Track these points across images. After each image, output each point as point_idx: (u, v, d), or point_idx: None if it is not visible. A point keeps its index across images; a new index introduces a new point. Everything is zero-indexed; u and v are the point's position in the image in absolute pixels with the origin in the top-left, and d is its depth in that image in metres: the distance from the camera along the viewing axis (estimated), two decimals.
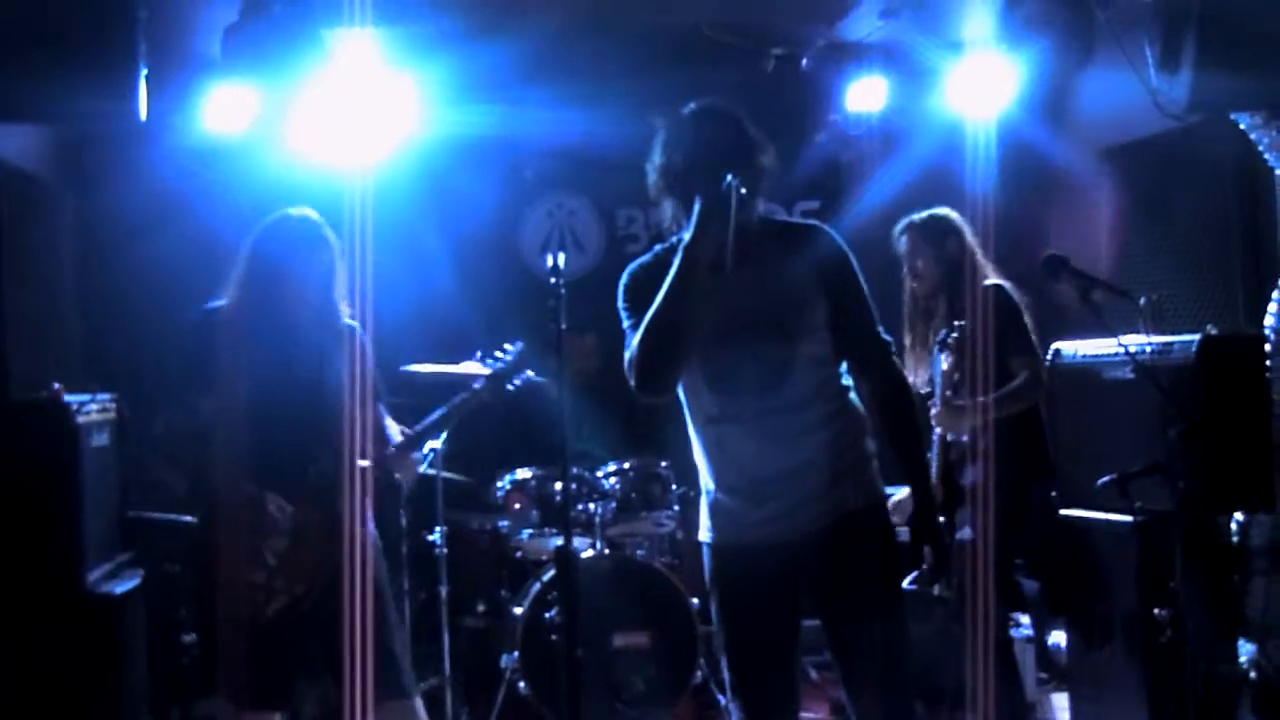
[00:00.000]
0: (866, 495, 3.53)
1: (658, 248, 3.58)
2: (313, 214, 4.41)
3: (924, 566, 3.58)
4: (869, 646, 3.45)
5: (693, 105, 3.56)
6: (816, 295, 3.44)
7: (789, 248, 3.47)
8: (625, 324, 3.47)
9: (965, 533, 4.77)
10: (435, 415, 4.67)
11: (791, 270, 3.44)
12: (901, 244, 5.26)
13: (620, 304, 3.51)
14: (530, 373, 4.92)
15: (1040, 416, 5.21)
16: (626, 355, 3.40)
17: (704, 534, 3.61)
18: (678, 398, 3.57)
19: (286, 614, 4.15)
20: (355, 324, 4.38)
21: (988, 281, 5.09)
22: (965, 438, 4.83)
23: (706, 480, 3.58)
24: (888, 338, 3.63)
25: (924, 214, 5.31)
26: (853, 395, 3.58)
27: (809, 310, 3.43)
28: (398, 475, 4.71)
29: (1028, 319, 5.14)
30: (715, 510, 3.55)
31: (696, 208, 3.26)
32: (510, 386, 4.86)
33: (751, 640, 3.52)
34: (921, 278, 5.23)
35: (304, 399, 4.24)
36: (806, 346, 3.43)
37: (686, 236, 3.28)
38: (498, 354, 4.93)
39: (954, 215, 5.27)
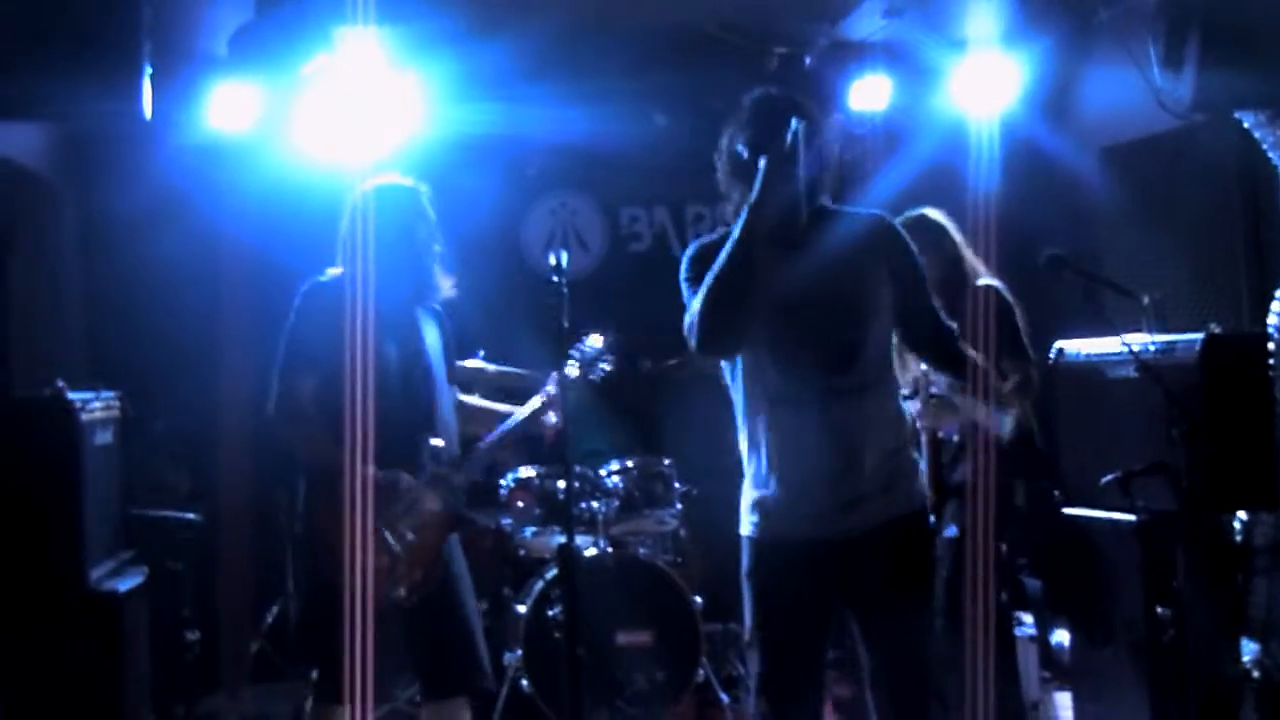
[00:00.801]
0: (913, 501, 3.55)
1: (719, 231, 3.59)
2: (417, 184, 4.37)
3: None
4: (901, 649, 3.48)
5: (754, 92, 3.57)
6: (882, 279, 3.46)
7: (853, 232, 3.49)
8: (686, 294, 3.47)
9: (951, 530, 4.75)
10: (508, 425, 4.53)
11: (857, 253, 3.46)
12: None
13: (683, 275, 3.51)
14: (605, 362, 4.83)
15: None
16: (686, 318, 3.39)
17: (745, 528, 3.57)
18: (728, 377, 3.58)
19: (404, 601, 4.12)
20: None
21: (981, 282, 5.05)
22: (955, 437, 4.81)
23: (758, 470, 3.53)
24: (952, 324, 3.65)
25: (911, 216, 5.16)
26: (905, 402, 3.63)
27: (876, 292, 3.46)
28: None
29: (1021, 321, 5.10)
30: (762, 502, 3.52)
31: (762, 164, 3.28)
32: (592, 378, 4.77)
33: (785, 636, 3.50)
34: None
35: (413, 378, 4.21)
36: (874, 330, 3.46)
37: (753, 193, 3.28)
38: (579, 348, 4.78)
39: (939, 214, 5.19)
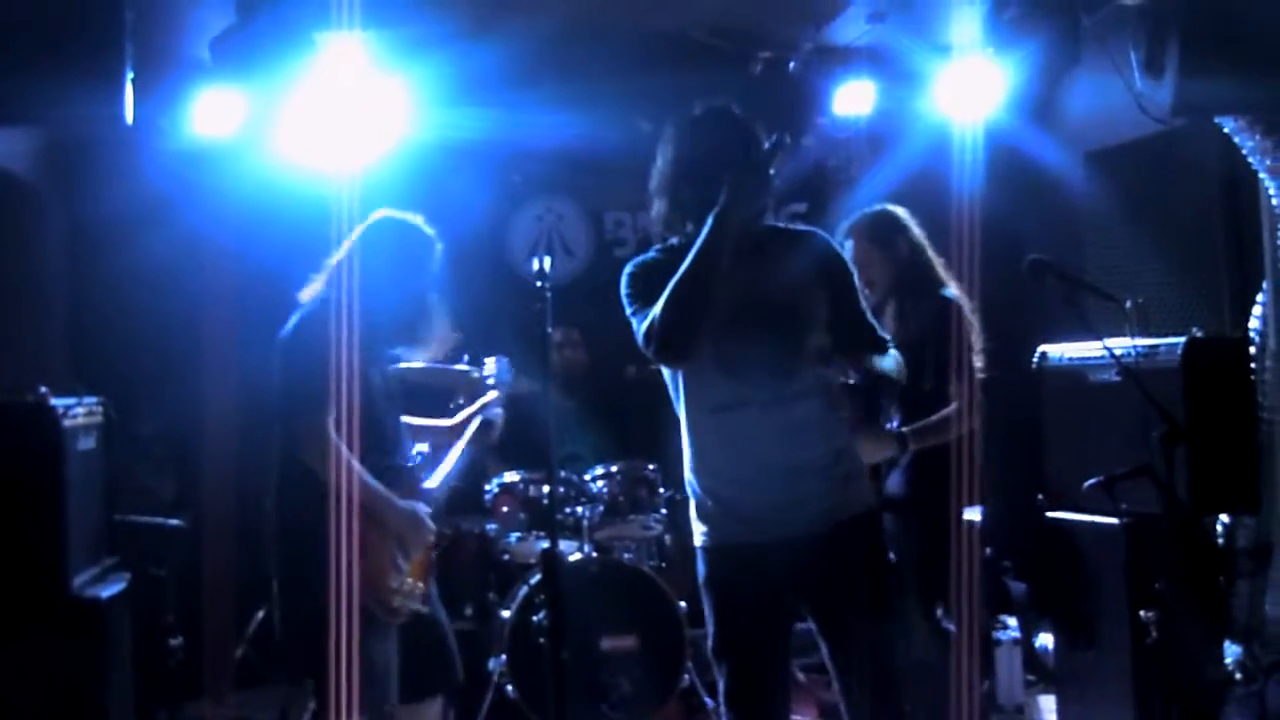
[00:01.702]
0: (862, 502, 3.58)
1: (660, 247, 3.63)
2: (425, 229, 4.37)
3: None
4: (863, 651, 3.48)
5: (699, 107, 3.62)
6: (820, 292, 3.52)
7: (790, 248, 3.55)
8: (629, 310, 3.51)
9: None
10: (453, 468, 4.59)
11: (796, 267, 3.51)
12: (847, 249, 4.74)
13: (625, 291, 3.54)
14: (513, 384, 4.89)
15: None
16: (644, 326, 3.40)
17: (698, 538, 3.60)
18: (671, 391, 3.61)
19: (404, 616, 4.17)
20: None
21: (944, 292, 4.82)
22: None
23: (703, 477, 3.56)
24: (885, 334, 3.70)
25: (868, 213, 4.98)
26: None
27: (815, 305, 3.51)
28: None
29: (975, 333, 4.90)
30: (712, 509, 3.54)
31: (731, 174, 3.31)
32: (495, 411, 4.81)
33: (747, 642, 3.52)
34: (872, 284, 4.79)
35: (393, 404, 4.32)
36: (813, 339, 3.50)
37: (722, 200, 3.31)
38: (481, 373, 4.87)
39: (902, 211, 4.98)
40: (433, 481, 4.40)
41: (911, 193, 6.28)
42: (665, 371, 3.62)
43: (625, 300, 3.53)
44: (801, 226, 3.70)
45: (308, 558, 3.89)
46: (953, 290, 4.80)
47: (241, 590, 6.61)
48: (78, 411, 4.38)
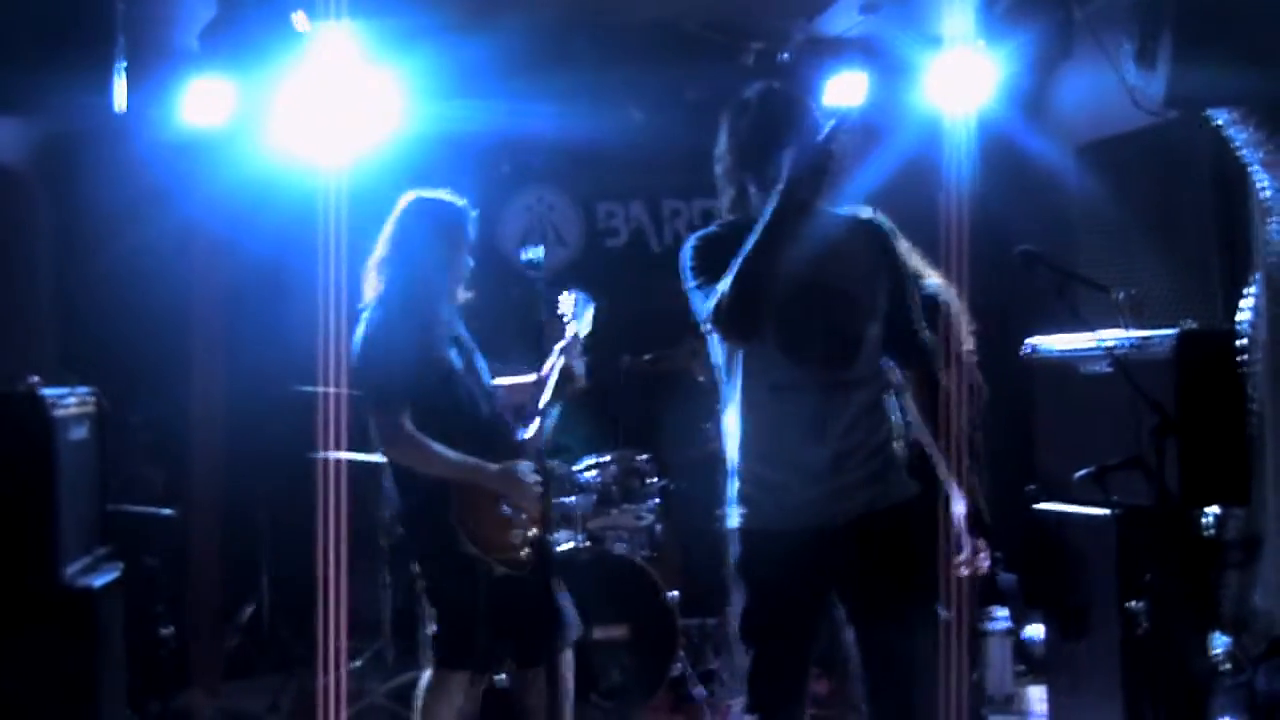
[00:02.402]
0: (904, 491, 3.57)
1: (721, 221, 3.61)
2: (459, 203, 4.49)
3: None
4: (891, 639, 3.48)
5: (751, 88, 3.61)
6: (881, 282, 3.53)
7: (856, 234, 3.55)
8: (691, 283, 3.48)
9: None
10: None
11: (860, 254, 3.52)
12: None
13: (688, 264, 3.50)
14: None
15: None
16: (711, 302, 3.36)
17: (734, 519, 3.56)
18: (723, 369, 3.60)
19: (522, 561, 4.26)
20: None
21: (926, 287, 4.94)
22: None
23: (750, 459, 3.52)
24: (929, 336, 3.68)
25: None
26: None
27: (877, 294, 3.52)
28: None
29: (963, 324, 4.99)
30: (753, 493, 3.51)
31: (793, 155, 3.30)
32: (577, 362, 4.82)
33: (777, 627, 3.50)
34: None
35: (475, 373, 4.47)
36: (872, 327, 3.51)
37: (785, 174, 3.29)
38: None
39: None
40: (529, 433, 4.46)
41: (903, 184, 6.27)
42: (719, 349, 3.58)
43: (688, 273, 3.49)
44: (868, 213, 3.65)
45: (432, 535, 4.17)
46: (934, 282, 4.82)
47: (231, 581, 6.61)
48: (69, 401, 4.38)
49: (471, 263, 4.45)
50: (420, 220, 4.38)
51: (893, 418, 3.64)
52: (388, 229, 4.39)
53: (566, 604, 4.46)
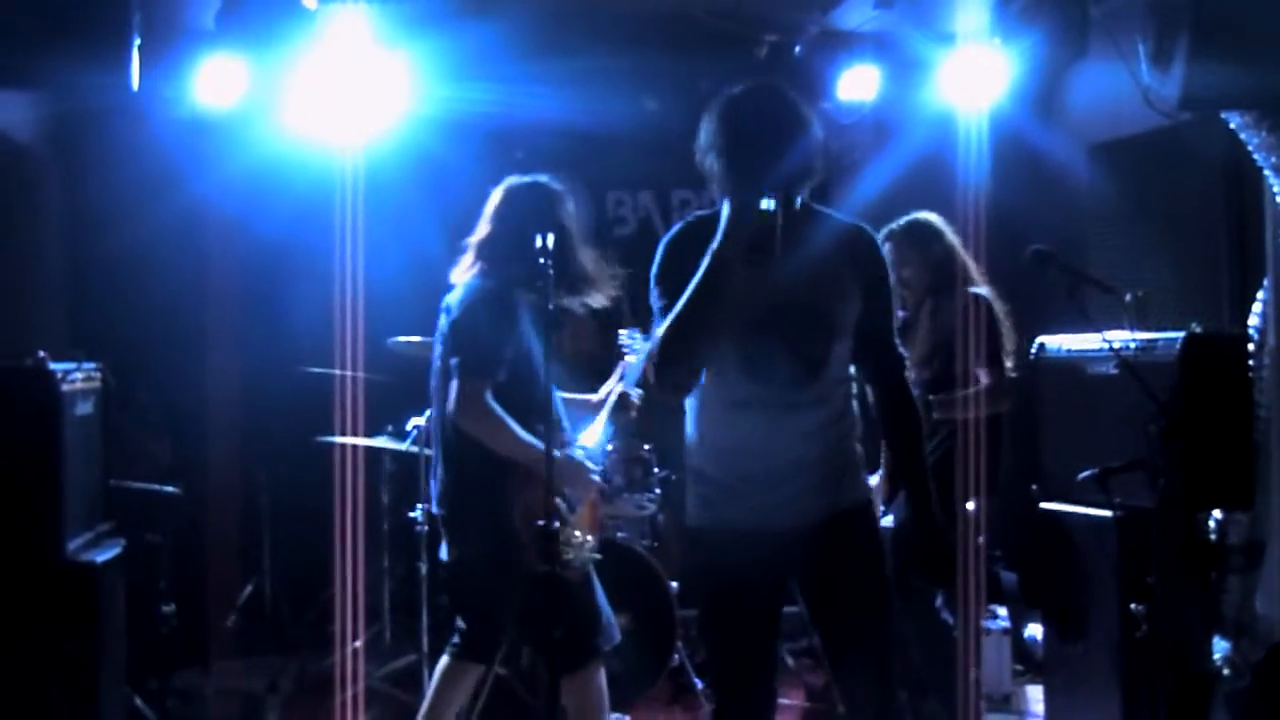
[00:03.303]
0: (857, 495, 3.54)
1: (695, 215, 3.53)
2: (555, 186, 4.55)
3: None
4: (858, 639, 3.45)
5: (741, 86, 3.48)
6: (854, 295, 3.44)
7: (833, 242, 3.44)
8: (654, 302, 3.43)
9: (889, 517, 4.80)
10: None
11: (834, 265, 3.42)
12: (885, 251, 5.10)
13: (652, 277, 3.46)
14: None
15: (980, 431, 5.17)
16: (646, 351, 3.37)
17: (692, 518, 3.57)
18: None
19: (572, 567, 4.31)
20: None
21: (973, 290, 5.11)
22: None
23: (706, 463, 3.51)
24: (903, 352, 3.64)
25: (905, 220, 5.25)
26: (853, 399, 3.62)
27: (848, 308, 3.44)
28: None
29: (1005, 330, 5.15)
30: (709, 494, 3.51)
31: (727, 212, 3.24)
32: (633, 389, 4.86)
33: (735, 624, 3.49)
34: (909, 286, 5.20)
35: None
36: (840, 344, 3.44)
37: (716, 239, 3.22)
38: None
39: (935, 218, 5.25)
40: (587, 441, 4.51)
41: (915, 180, 6.30)
42: None
43: (652, 284, 3.45)
44: (848, 220, 3.55)
45: (481, 517, 4.17)
46: (984, 290, 5.12)
47: (234, 560, 6.63)
48: (76, 376, 4.37)
49: (581, 245, 4.50)
50: (530, 203, 4.41)
51: (854, 422, 3.61)
52: (492, 208, 4.42)
53: (606, 610, 4.49)
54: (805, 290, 3.37)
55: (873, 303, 3.47)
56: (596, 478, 4.36)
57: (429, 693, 4.35)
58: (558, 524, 4.10)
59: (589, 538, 4.36)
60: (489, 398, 4.15)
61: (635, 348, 4.80)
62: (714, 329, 3.28)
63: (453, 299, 4.35)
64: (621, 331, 4.91)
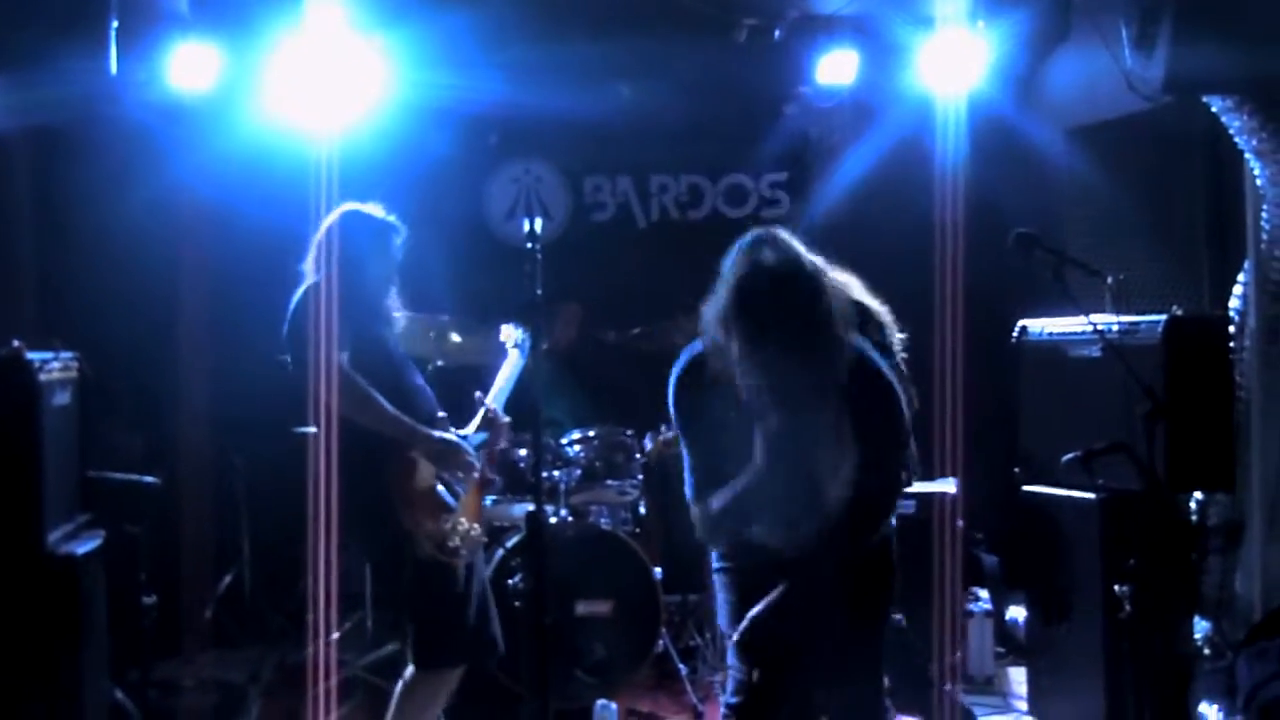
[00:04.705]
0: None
1: (703, 346, 3.47)
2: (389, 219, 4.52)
3: None
4: (855, 662, 3.56)
5: (753, 243, 3.41)
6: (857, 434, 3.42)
7: (855, 386, 3.38)
8: (682, 441, 3.55)
9: None
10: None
11: (849, 425, 3.40)
12: None
13: (672, 405, 3.54)
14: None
15: None
16: (692, 503, 3.51)
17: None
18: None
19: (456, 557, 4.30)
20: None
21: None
22: None
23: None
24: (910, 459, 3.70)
25: None
26: None
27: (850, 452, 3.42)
28: None
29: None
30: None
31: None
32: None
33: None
34: None
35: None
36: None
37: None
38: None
39: None
40: (467, 430, 4.48)
41: (894, 164, 6.30)
42: None
43: (673, 414, 3.54)
44: (882, 369, 3.48)
45: (364, 503, 4.14)
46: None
47: (217, 550, 6.59)
48: (53, 366, 4.32)
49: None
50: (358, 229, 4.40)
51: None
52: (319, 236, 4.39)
53: (494, 623, 4.48)
54: (822, 449, 3.40)
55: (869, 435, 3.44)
56: (471, 461, 4.32)
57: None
58: (444, 513, 4.20)
59: (475, 526, 4.35)
60: (346, 364, 4.11)
61: (519, 347, 4.74)
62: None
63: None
64: (504, 328, 4.82)
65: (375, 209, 4.44)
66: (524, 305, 3.98)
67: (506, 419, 4.61)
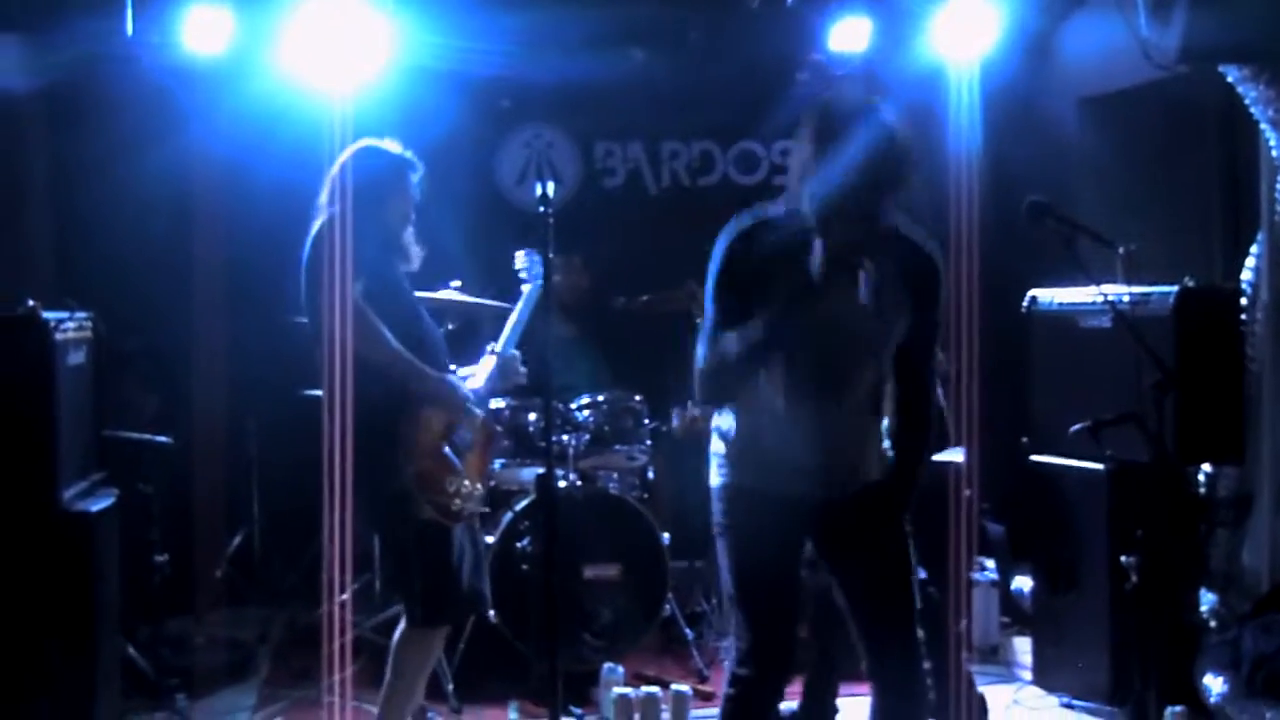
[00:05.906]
0: (884, 470, 3.56)
1: (768, 212, 3.43)
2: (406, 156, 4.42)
3: None
4: (883, 592, 3.49)
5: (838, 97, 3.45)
6: (904, 323, 3.42)
7: (899, 271, 3.38)
8: (709, 304, 3.43)
9: None
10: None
11: (895, 296, 3.38)
12: None
13: (712, 270, 3.43)
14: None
15: None
16: (698, 360, 3.43)
17: (715, 478, 3.57)
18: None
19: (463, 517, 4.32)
20: None
21: None
22: None
23: (734, 438, 3.53)
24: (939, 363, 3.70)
25: None
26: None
27: (896, 334, 3.43)
28: None
29: None
30: (741, 457, 3.52)
31: (818, 249, 3.24)
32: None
33: (765, 582, 3.51)
34: None
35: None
36: (883, 364, 3.47)
37: (760, 329, 3.27)
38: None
39: None
40: (474, 383, 4.43)
41: (906, 132, 6.26)
42: None
43: (709, 282, 3.43)
44: (925, 248, 3.45)
45: (370, 456, 4.06)
46: None
47: (229, 510, 6.62)
48: (68, 326, 4.35)
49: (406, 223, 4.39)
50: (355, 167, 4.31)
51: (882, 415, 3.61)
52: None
53: (478, 585, 4.44)
54: (861, 320, 3.35)
55: (917, 331, 3.45)
56: (472, 406, 4.29)
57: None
58: (450, 475, 4.18)
59: (478, 487, 4.34)
60: (360, 298, 4.06)
61: (532, 274, 4.70)
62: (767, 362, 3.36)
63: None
64: (518, 254, 4.77)
65: (392, 144, 4.39)
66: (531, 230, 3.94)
67: (514, 352, 4.55)
